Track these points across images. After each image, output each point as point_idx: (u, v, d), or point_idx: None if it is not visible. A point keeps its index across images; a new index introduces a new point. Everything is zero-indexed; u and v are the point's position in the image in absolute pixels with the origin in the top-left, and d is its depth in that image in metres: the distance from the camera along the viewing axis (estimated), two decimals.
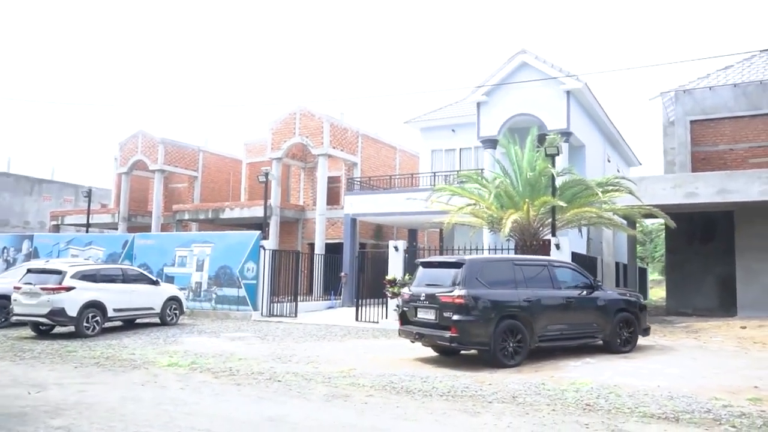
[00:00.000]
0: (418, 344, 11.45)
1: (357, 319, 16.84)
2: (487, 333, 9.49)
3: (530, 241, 15.01)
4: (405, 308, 10.60)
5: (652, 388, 7.89)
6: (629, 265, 27.14)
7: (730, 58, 21.14)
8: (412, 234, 27.04)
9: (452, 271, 10.03)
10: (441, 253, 17.72)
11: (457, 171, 21.54)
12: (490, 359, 9.61)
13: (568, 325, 10.41)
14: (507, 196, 14.82)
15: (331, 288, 22.19)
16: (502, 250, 15.76)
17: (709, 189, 16.30)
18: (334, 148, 24.16)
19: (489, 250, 17.04)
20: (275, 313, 18.36)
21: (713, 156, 20.74)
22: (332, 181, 26.41)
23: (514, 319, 9.79)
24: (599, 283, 11.30)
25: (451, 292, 9.62)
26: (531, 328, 9.93)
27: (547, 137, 15.15)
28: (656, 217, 16.38)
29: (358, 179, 24.42)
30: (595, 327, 10.72)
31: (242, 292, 18.49)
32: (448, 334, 9.49)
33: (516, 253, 15.21)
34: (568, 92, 18.49)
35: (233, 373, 9.09)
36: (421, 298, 10.13)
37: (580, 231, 17.53)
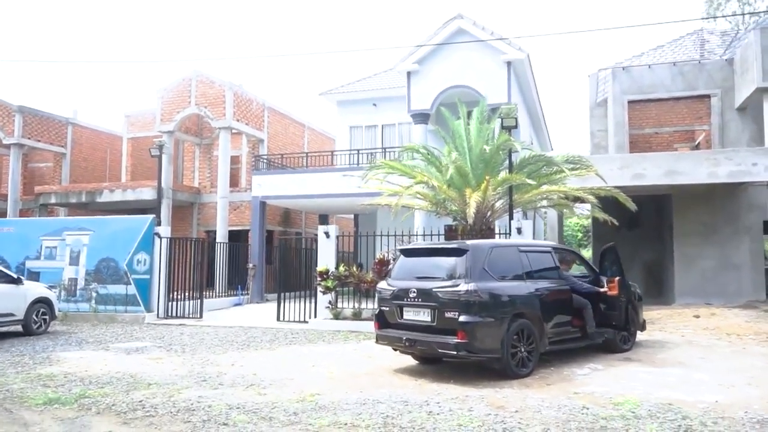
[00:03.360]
0: (384, 351, 9.22)
1: (280, 319, 14.19)
2: (499, 337, 7.47)
3: (479, 225, 13.18)
4: (384, 308, 8.30)
5: (713, 406, 6.25)
6: None
7: (662, 38, 20.71)
8: (323, 220, 24.52)
9: (451, 260, 7.88)
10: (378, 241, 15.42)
11: (382, 148, 19.36)
12: (502, 369, 7.59)
13: (575, 323, 8.62)
14: (460, 174, 12.84)
15: (237, 282, 19.21)
16: (431, 235, 13.91)
17: (657, 170, 15.44)
18: (237, 121, 21.01)
19: (423, 236, 15.05)
20: (174, 314, 15.19)
21: (639, 139, 20.26)
22: (231, 162, 23.16)
23: (524, 319, 7.83)
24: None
25: (456, 286, 7.46)
26: (541, 329, 8.05)
27: (502, 108, 13.38)
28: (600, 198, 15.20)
29: (266, 156, 21.46)
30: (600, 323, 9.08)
31: (132, 290, 15.10)
32: (453, 340, 7.33)
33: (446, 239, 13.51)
34: (508, 63, 16.91)
35: (149, 412, 6.26)
36: (411, 295, 7.86)
37: (525, 215, 16.06)
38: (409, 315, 8.04)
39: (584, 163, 12.94)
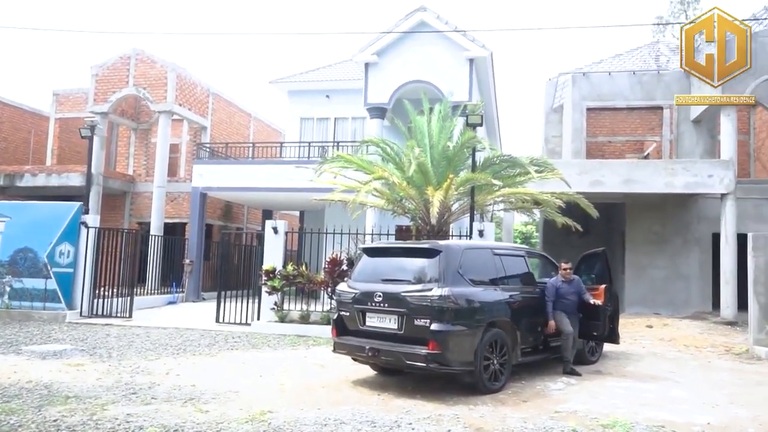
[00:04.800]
0: (338, 360, 8.38)
1: (219, 320, 13.05)
2: (472, 348, 6.77)
3: (439, 226, 12.50)
4: (344, 312, 7.44)
5: (707, 429, 5.74)
6: None
7: (620, 47, 20.76)
8: (266, 215, 23.29)
9: (422, 262, 7.11)
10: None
11: (335, 142, 18.45)
12: (473, 383, 6.88)
13: (545, 333, 8.03)
14: (421, 171, 12.12)
15: (172, 278, 17.81)
16: (385, 235, 13.22)
17: (615, 178, 15.28)
18: (180, 105, 19.56)
19: (380, 235, 14.26)
20: (100, 313, 13.76)
21: (592, 147, 20.21)
22: (170, 151, 21.61)
23: (498, 328, 7.16)
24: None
25: (429, 291, 6.69)
26: (515, 339, 7.41)
27: (467, 106, 12.78)
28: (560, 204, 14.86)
29: (209, 145, 20.11)
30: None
31: (52, 284, 13.58)
32: (423, 350, 6.56)
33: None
34: (471, 60, 16.35)
35: None
36: (376, 300, 7.03)
37: (482, 217, 15.52)
38: (373, 321, 7.23)
39: (549, 167, 12.47)
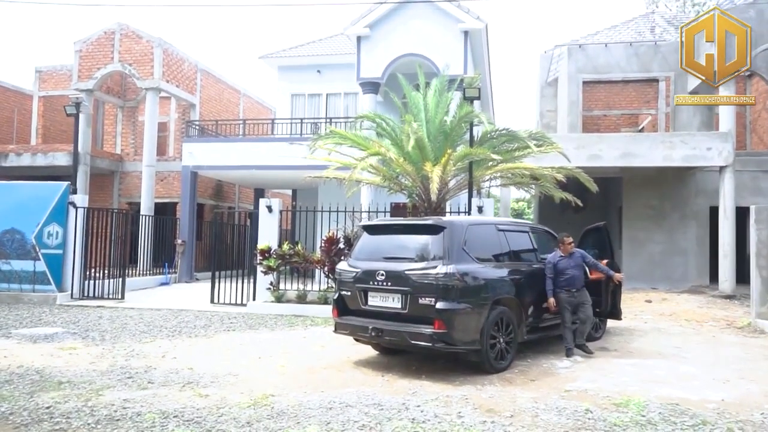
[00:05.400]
0: (337, 340, 8.21)
1: (214, 301, 12.82)
2: (478, 326, 6.59)
3: (437, 203, 12.26)
4: (345, 292, 7.21)
5: (722, 406, 5.63)
6: None
7: (615, 19, 20.42)
8: (258, 194, 22.95)
9: (425, 239, 6.88)
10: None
11: (327, 118, 18.07)
12: (479, 362, 6.71)
13: (553, 310, 7.84)
14: (418, 147, 11.83)
15: (164, 259, 17.52)
16: (383, 212, 13.04)
17: (613, 152, 15.07)
18: (167, 82, 19.05)
19: (369, 212, 14.02)
20: (91, 294, 13.48)
21: (588, 121, 19.96)
22: (159, 129, 21.12)
23: (503, 306, 6.97)
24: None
25: (433, 268, 6.47)
26: (520, 317, 7.24)
27: (464, 79, 12.48)
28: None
29: (199, 122, 19.66)
30: None
31: (41, 266, 13.25)
32: (428, 330, 6.37)
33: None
34: (466, 33, 15.99)
35: (58, 423, 4.92)
36: (378, 278, 6.81)
37: (478, 193, 15.30)
38: (375, 301, 7.01)
39: (548, 141, 12.21)
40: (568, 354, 7.71)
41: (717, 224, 15.23)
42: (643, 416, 5.23)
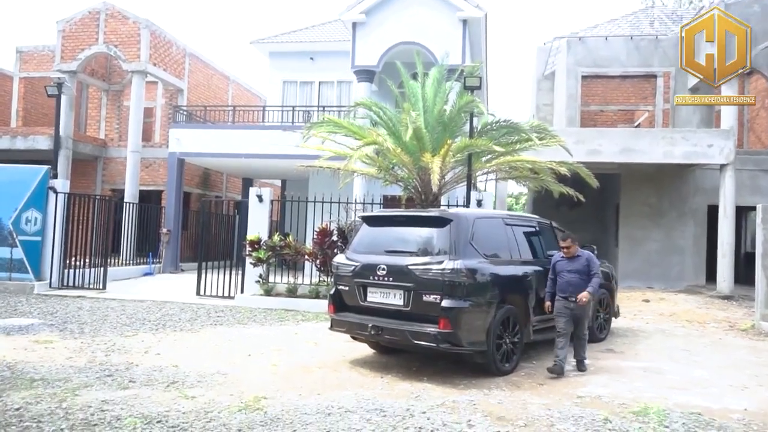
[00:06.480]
0: (331, 336, 7.78)
1: (200, 293, 12.30)
2: (484, 326, 6.18)
3: (435, 196, 11.83)
4: (342, 287, 6.77)
5: (747, 416, 5.28)
6: None
7: (616, 12, 20.08)
8: (247, 184, 22.38)
9: (430, 232, 6.46)
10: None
11: (320, 106, 17.56)
12: (485, 364, 6.31)
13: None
14: (416, 137, 11.39)
15: (148, 248, 16.93)
16: (379, 204, 12.61)
17: (613, 147, 14.73)
18: (154, 65, 18.39)
19: (363, 204, 13.55)
20: (71, 284, 12.92)
21: (584, 116, 19.65)
22: (145, 115, 20.44)
23: (510, 305, 6.57)
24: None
25: (439, 263, 6.04)
26: (527, 316, 6.84)
27: (465, 68, 12.05)
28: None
29: (186, 108, 19.03)
30: None
31: (18, 253, 12.66)
32: (432, 329, 5.96)
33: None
34: (464, 21, 15.53)
35: (28, 428, 4.44)
36: (379, 273, 6.36)
37: (475, 187, 14.88)
38: (375, 297, 6.58)
39: (550, 134, 11.83)
40: (552, 370, 6.55)
41: (714, 223, 14.98)
42: (666, 427, 4.86)
